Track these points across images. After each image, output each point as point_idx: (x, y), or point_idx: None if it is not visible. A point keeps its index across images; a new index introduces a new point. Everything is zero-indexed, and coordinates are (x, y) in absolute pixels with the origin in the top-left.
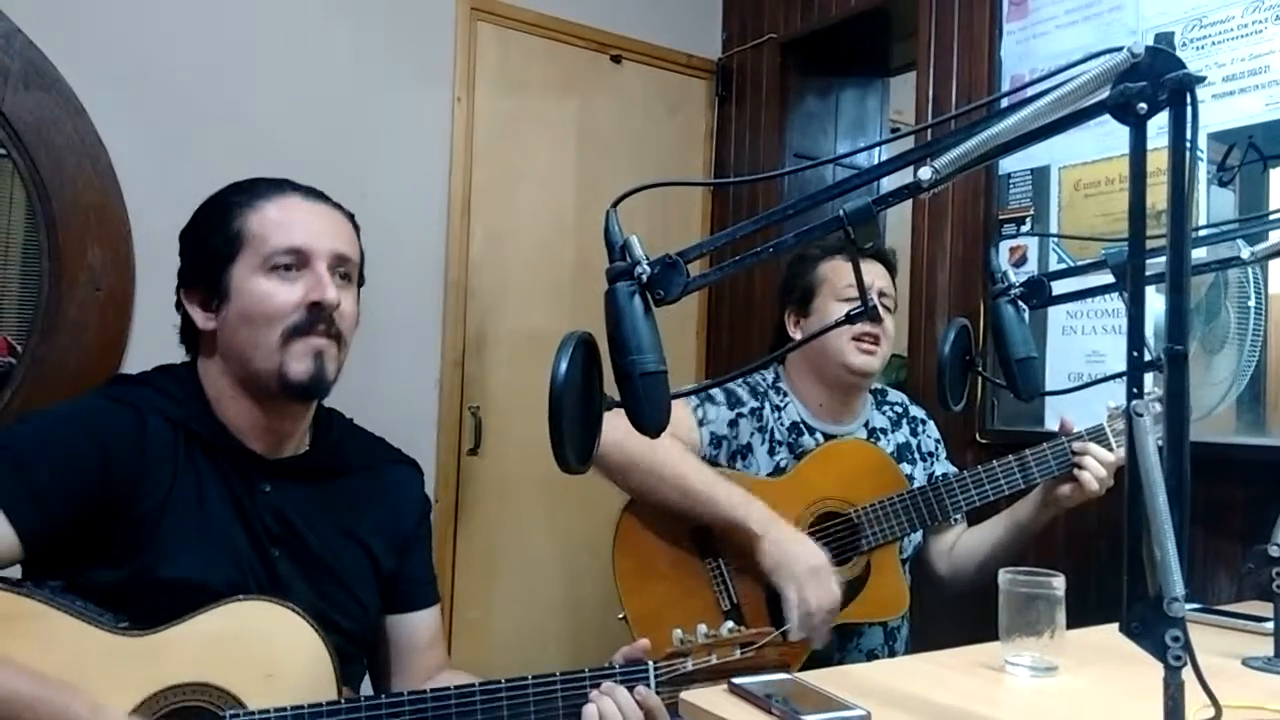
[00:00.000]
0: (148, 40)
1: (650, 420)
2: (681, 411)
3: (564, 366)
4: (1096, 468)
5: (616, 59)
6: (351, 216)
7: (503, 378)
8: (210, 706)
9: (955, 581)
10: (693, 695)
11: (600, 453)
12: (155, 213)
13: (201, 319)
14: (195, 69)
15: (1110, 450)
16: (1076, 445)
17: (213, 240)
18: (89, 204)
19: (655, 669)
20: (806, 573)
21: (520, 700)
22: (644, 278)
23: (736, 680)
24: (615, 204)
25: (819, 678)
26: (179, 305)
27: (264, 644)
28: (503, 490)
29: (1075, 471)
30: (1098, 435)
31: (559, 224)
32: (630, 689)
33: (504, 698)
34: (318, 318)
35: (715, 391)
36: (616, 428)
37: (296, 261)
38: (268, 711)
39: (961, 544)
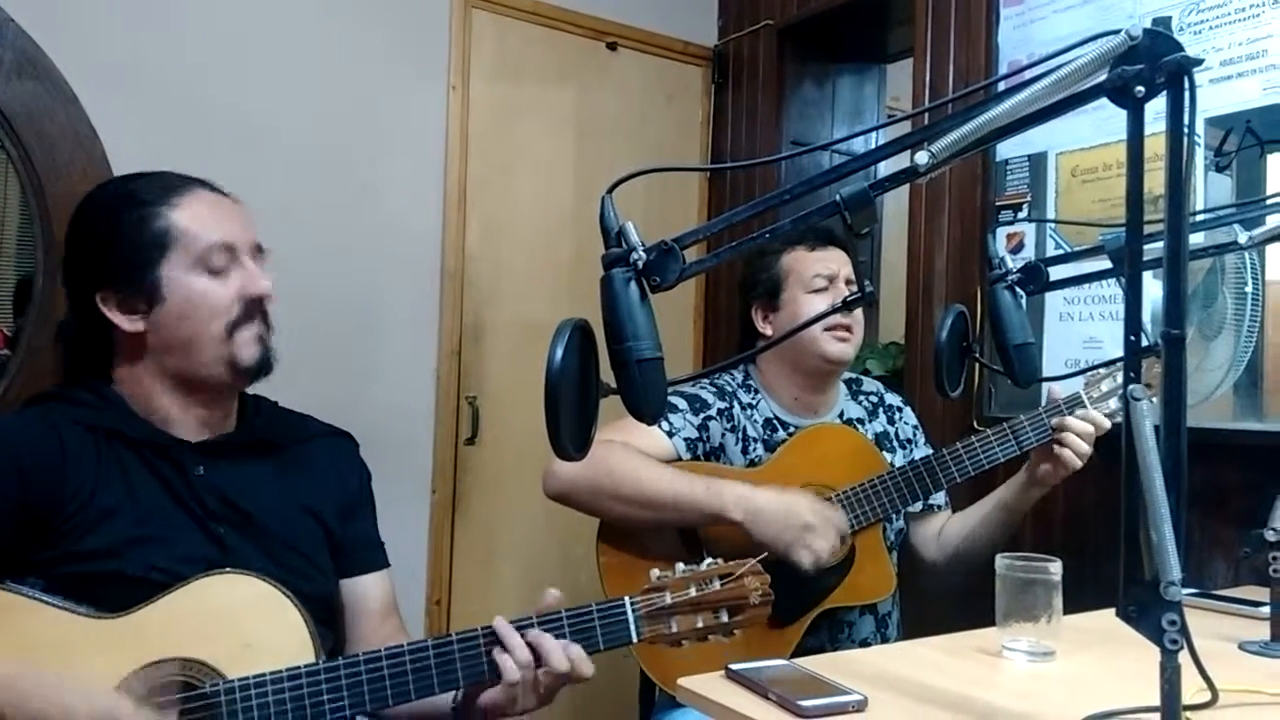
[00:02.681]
0: (141, 29)
1: (647, 407)
2: (648, 431)
3: (560, 354)
4: (1077, 443)
5: (612, 46)
6: (240, 202)
7: (500, 367)
8: (191, 679)
9: (946, 566)
10: (690, 682)
11: (560, 493)
12: None
13: (126, 321)
14: (189, 59)
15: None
16: (1054, 421)
17: (135, 240)
18: (83, 194)
19: (633, 604)
20: (798, 536)
21: (471, 650)
22: (640, 264)
23: (733, 666)
24: (610, 190)
25: (816, 663)
26: (79, 315)
27: (238, 614)
28: (500, 480)
29: (1055, 449)
30: (1074, 404)
31: (556, 213)
32: (523, 633)
33: (481, 645)
34: (256, 309)
35: (675, 400)
36: (557, 474)
37: (228, 257)
38: (247, 679)
39: (949, 528)
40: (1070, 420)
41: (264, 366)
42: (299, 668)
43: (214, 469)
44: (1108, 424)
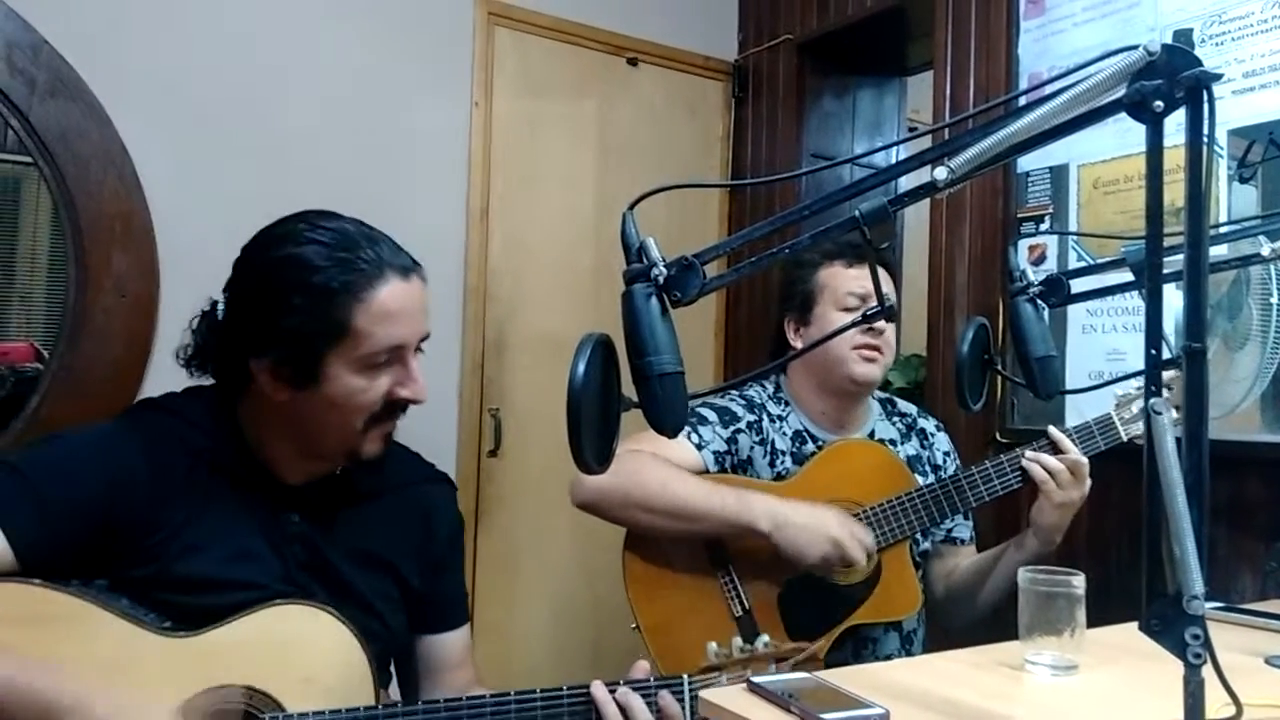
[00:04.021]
0: (171, 51)
1: (669, 421)
2: (676, 442)
3: (582, 368)
4: (1037, 470)
5: (633, 62)
6: (421, 269)
7: (522, 380)
8: (251, 708)
9: (947, 608)
10: (712, 694)
11: (588, 502)
12: (180, 220)
13: (272, 389)
14: (217, 79)
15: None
16: (1028, 454)
17: (308, 323)
18: (114, 212)
19: (690, 683)
20: (825, 551)
21: (555, 709)
22: (661, 279)
23: (755, 679)
24: (632, 206)
25: (837, 676)
26: (226, 354)
27: (303, 648)
28: (522, 491)
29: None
30: (1104, 425)
31: (577, 227)
32: (649, 698)
33: (539, 707)
34: (399, 408)
35: (706, 412)
36: (585, 483)
37: (392, 356)
38: (306, 714)
39: (960, 571)
40: (1042, 457)
41: (381, 458)
42: (358, 708)
43: (309, 517)
44: (1076, 458)
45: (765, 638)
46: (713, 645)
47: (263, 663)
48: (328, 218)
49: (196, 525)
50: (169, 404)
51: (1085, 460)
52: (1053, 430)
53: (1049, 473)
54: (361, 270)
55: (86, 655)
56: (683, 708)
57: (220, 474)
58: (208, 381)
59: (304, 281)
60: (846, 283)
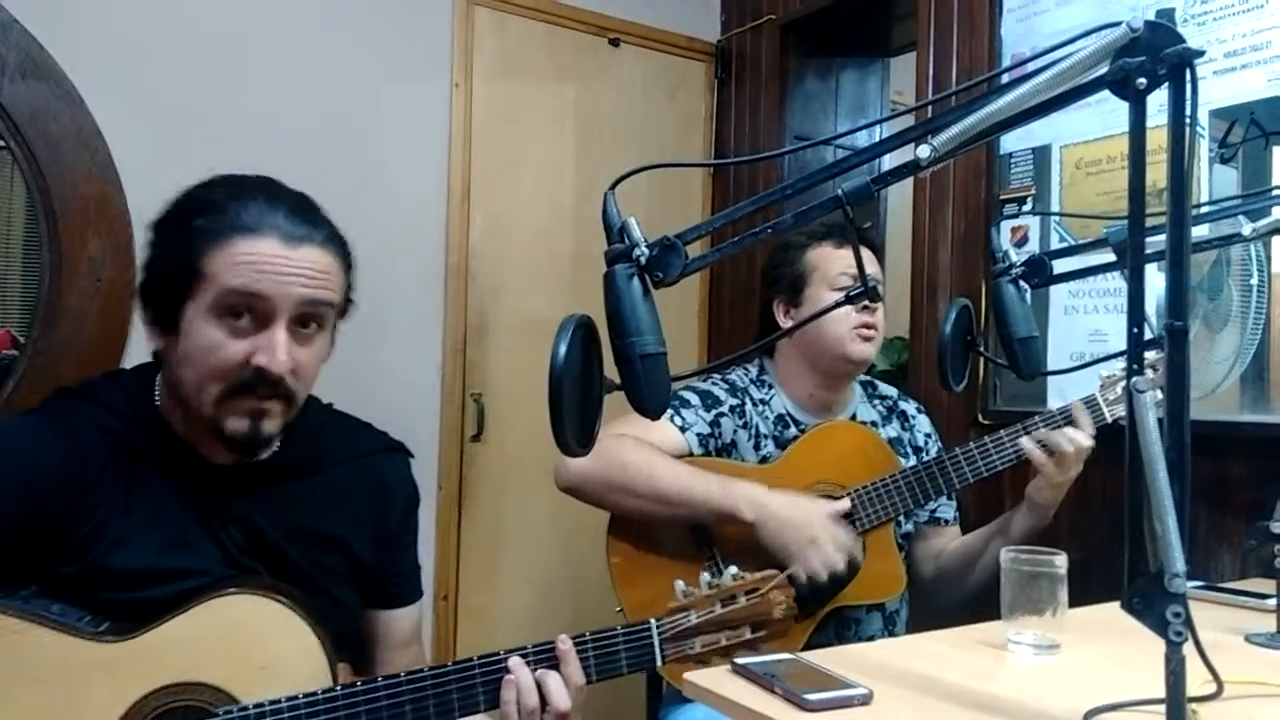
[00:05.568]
0: (145, 30)
1: (651, 403)
2: (660, 425)
3: (563, 350)
4: (1035, 453)
5: (615, 42)
6: (341, 241)
7: (504, 364)
8: (203, 705)
9: (938, 587)
10: (696, 676)
11: (572, 486)
12: (155, 203)
13: (149, 338)
14: (193, 59)
15: (1082, 429)
16: (1039, 434)
17: (170, 266)
18: (88, 195)
19: (659, 625)
20: (804, 546)
21: (490, 680)
22: (643, 260)
23: (739, 660)
24: (613, 186)
25: (821, 657)
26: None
27: (253, 636)
28: (505, 476)
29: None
30: (1090, 405)
31: (559, 209)
32: (533, 670)
33: (506, 669)
34: (263, 381)
35: (688, 395)
36: (569, 467)
37: (254, 313)
38: (262, 705)
39: (951, 549)
40: (1050, 436)
41: (250, 444)
42: (316, 692)
43: (245, 498)
44: (1086, 443)
45: (733, 569)
46: (680, 584)
47: (210, 656)
48: (248, 177)
49: (124, 516)
50: (85, 391)
51: (1092, 444)
52: (1076, 406)
53: (1056, 456)
54: (236, 218)
55: (18, 675)
56: (650, 654)
57: (143, 460)
58: (128, 364)
59: (180, 223)
60: (838, 263)
